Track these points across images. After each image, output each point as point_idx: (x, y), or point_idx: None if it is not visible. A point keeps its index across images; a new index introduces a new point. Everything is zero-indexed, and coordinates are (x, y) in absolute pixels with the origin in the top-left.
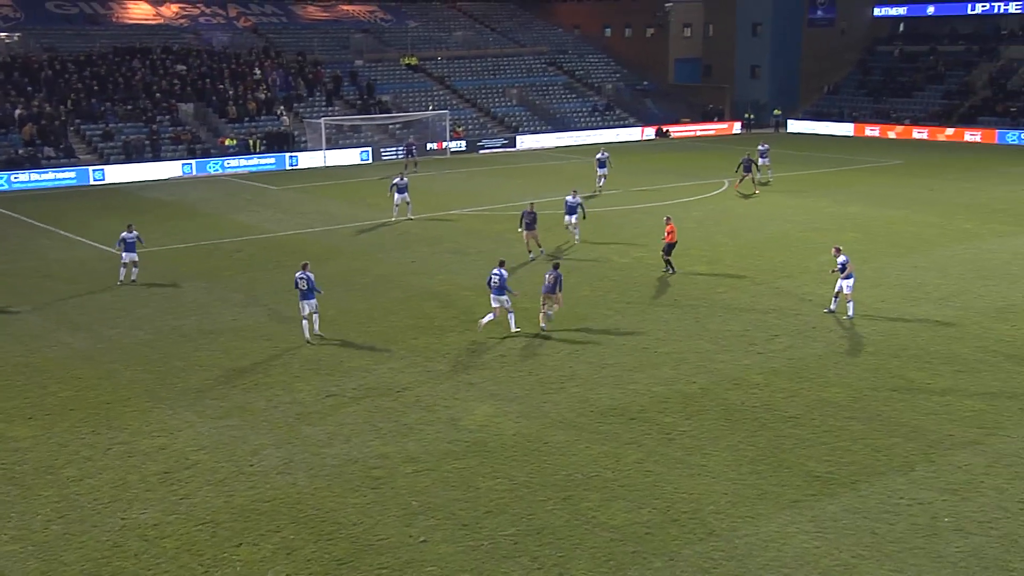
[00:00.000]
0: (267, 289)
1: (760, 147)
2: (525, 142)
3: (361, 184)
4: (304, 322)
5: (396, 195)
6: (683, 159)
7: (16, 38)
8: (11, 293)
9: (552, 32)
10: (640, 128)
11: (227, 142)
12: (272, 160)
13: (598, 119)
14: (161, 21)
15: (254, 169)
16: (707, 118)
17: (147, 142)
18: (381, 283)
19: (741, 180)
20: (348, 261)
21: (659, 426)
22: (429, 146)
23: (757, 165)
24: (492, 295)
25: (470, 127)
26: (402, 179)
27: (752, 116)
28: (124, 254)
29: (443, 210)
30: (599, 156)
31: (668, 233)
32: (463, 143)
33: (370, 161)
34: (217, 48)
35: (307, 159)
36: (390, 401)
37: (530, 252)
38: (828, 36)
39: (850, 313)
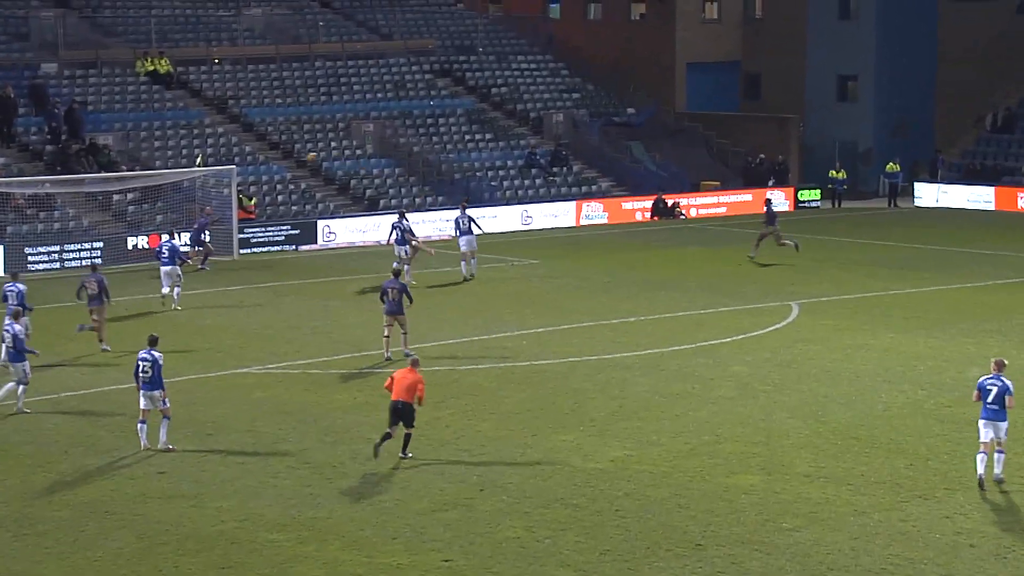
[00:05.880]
0: None
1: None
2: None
3: None
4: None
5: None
6: (698, 260)
7: None
8: None
9: (442, 11)
10: (609, 201)
11: None
12: None
13: (535, 182)
14: None
15: None
16: (751, 181)
17: None
18: None
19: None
20: None
21: None
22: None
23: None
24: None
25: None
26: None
27: (843, 176)
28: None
29: None
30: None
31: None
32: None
33: None
34: None
35: None
36: None
37: None
38: (995, 16)
39: None
